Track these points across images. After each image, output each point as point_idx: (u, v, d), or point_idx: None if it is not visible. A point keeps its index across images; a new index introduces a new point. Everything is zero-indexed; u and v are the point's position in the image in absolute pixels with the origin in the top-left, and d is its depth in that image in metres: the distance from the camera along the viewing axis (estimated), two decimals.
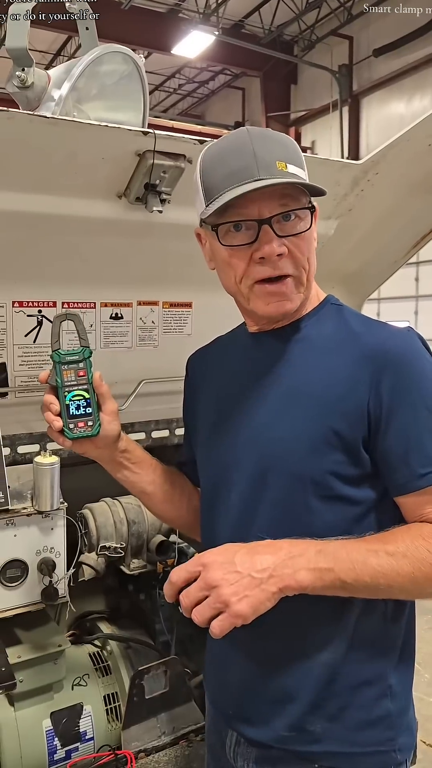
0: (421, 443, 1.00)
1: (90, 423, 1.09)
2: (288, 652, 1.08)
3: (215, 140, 1.13)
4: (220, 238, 1.06)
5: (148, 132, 1.48)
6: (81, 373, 1.09)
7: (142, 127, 1.83)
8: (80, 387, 1.09)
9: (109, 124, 1.43)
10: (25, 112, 1.33)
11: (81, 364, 1.10)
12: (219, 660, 1.21)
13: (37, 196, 1.56)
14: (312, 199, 1.07)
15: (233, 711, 1.16)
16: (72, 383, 1.09)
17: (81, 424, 1.09)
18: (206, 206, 1.05)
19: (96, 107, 1.91)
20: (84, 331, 1.13)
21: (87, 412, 1.09)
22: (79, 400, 1.09)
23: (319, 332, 1.12)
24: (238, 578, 0.91)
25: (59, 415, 1.08)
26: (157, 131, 1.48)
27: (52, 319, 1.16)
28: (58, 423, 1.08)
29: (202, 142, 1.52)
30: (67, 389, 1.08)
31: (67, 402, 1.08)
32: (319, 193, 1.05)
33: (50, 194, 1.57)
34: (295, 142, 1.11)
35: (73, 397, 1.08)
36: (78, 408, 1.08)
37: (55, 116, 1.43)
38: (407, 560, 0.94)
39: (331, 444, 1.02)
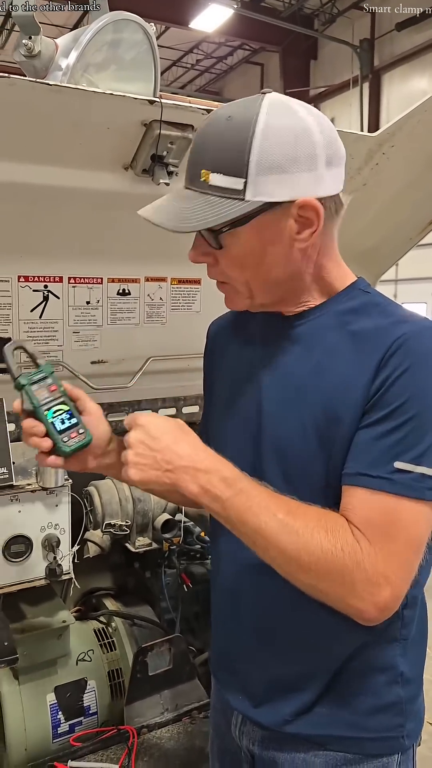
0: (380, 445, 0.91)
1: (81, 431, 1.05)
2: (297, 640, 1.06)
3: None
4: None
5: (155, 101, 1.44)
6: (52, 388, 1.05)
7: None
8: (57, 400, 1.04)
9: (114, 92, 1.39)
10: (26, 78, 1.30)
11: (49, 380, 1.05)
12: (226, 641, 1.19)
13: (43, 167, 1.53)
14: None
15: (240, 693, 1.15)
16: (48, 399, 1.04)
17: (73, 435, 1.04)
18: None
19: (105, 78, 1.86)
20: (36, 352, 1.08)
21: (73, 422, 1.04)
22: (61, 413, 1.04)
23: (339, 321, 1.03)
24: (147, 453, 0.95)
25: (45, 436, 1.03)
26: (163, 100, 1.44)
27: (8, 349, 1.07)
28: (48, 443, 1.02)
29: (209, 111, 1.48)
30: (45, 407, 1.03)
31: (51, 419, 1.03)
32: (212, 227, 0.94)
33: (56, 166, 1.54)
34: (261, 125, 0.90)
35: (54, 412, 1.03)
36: (63, 422, 1.04)
37: (58, 83, 1.39)
38: (295, 538, 0.89)
39: (337, 443, 0.96)
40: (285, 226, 0.95)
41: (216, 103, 1.97)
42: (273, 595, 1.05)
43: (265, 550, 0.93)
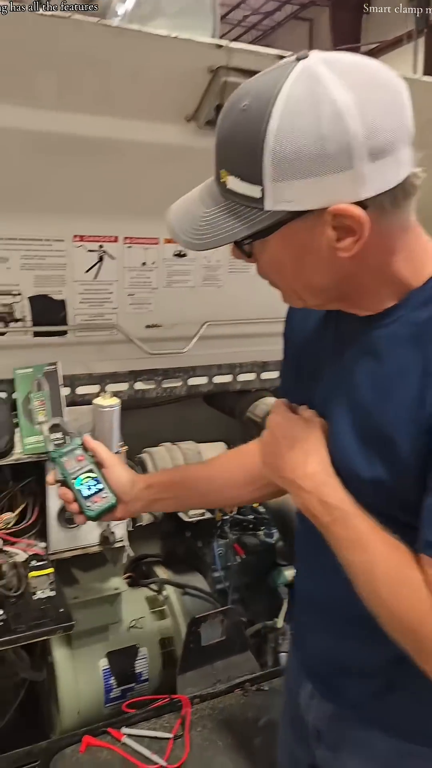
0: None
1: (104, 495, 1.17)
2: (364, 627, 1.00)
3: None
4: None
5: (222, 45, 1.34)
6: (80, 458, 1.20)
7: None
8: (84, 470, 1.19)
9: (179, 35, 1.30)
10: (92, 19, 1.21)
11: (77, 451, 1.20)
12: (303, 614, 1.18)
13: (100, 117, 1.46)
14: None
15: (313, 668, 1.14)
16: (76, 469, 1.19)
17: (97, 500, 1.17)
18: None
19: (163, 25, 1.77)
20: (70, 428, 1.26)
21: (99, 488, 1.18)
22: (87, 481, 1.18)
23: (415, 332, 0.86)
24: (270, 453, 0.99)
25: (75, 500, 1.18)
26: (232, 44, 1.34)
27: None
28: (77, 506, 1.18)
29: (281, 57, 1.37)
30: (73, 476, 1.18)
31: (78, 487, 1.17)
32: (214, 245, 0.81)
33: (113, 116, 1.47)
34: (278, 116, 0.72)
35: (82, 481, 1.17)
36: (90, 488, 1.17)
37: (120, 26, 1.31)
38: (372, 587, 0.86)
39: (393, 476, 0.87)
40: (321, 234, 0.78)
41: (282, 52, 1.84)
42: (335, 582, 0.99)
43: (351, 579, 0.90)
